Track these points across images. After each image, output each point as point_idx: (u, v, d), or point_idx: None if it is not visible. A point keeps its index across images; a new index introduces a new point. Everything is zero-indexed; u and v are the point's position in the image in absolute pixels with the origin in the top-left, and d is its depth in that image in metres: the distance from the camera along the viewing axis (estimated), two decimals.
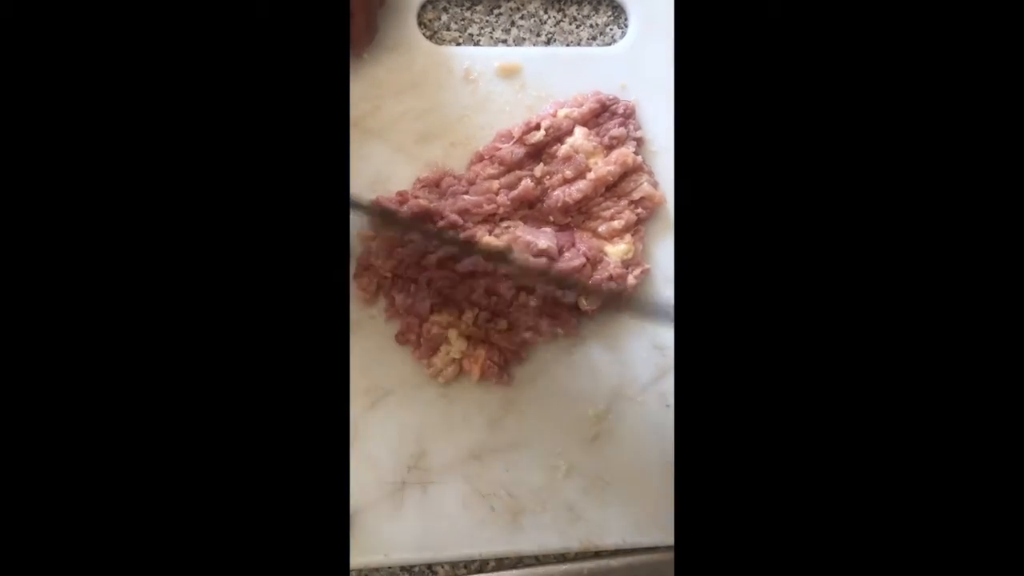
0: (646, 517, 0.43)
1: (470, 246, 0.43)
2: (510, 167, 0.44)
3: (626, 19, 0.48)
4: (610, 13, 0.48)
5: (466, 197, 0.43)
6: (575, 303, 0.44)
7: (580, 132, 0.44)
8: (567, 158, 0.44)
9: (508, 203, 0.43)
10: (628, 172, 0.45)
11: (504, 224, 0.44)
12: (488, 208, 0.43)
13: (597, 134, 0.45)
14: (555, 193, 0.44)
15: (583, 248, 0.44)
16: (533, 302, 0.43)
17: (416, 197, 0.43)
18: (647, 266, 0.45)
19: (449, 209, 0.43)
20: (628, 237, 0.45)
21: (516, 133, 0.44)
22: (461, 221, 0.43)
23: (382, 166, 0.45)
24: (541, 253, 0.43)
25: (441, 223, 0.42)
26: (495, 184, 0.44)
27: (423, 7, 0.47)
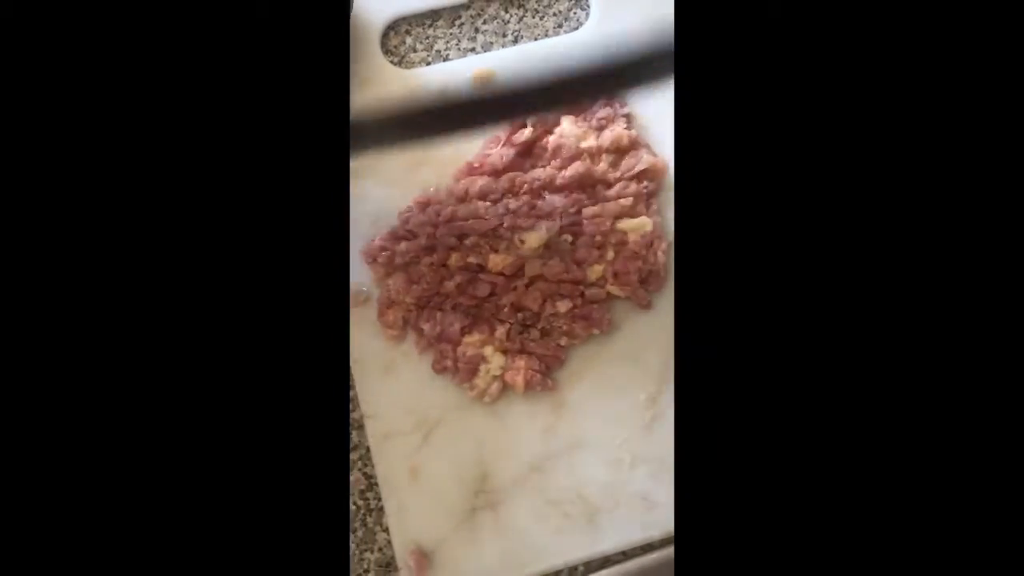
0: None
1: (480, 268, 0.43)
2: (502, 172, 0.44)
3: (587, 0, 0.47)
4: None
5: (461, 223, 0.43)
6: (605, 296, 0.43)
7: (567, 120, 0.44)
8: (557, 148, 0.43)
9: (506, 212, 0.43)
10: (625, 149, 0.44)
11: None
12: (489, 223, 0.43)
13: (585, 119, 0.44)
14: (545, 171, 0.43)
15: (595, 234, 0.43)
16: (563, 307, 0.43)
17: (408, 234, 0.43)
18: (669, 239, 0.44)
19: (446, 239, 0.42)
20: (642, 210, 0.44)
21: (503, 136, 0.44)
22: (458, 247, 0.43)
23: (380, 204, 0.44)
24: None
25: (441, 255, 0.42)
26: (482, 205, 0.43)
27: (385, 35, 0.46)
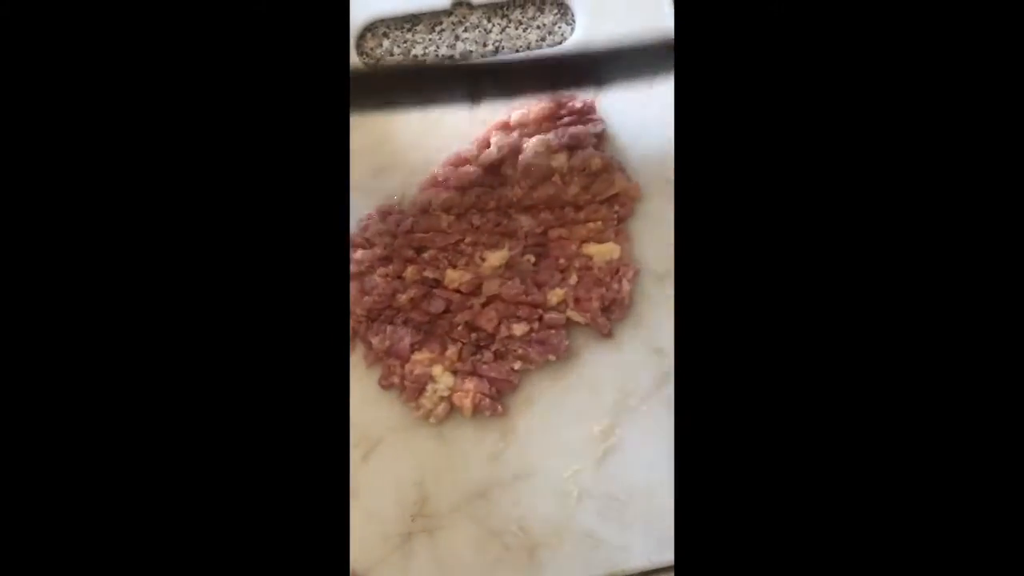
0: (670, 533, 0.41)
1: (436, 283, 0.41)
2: (468, 188, 0.42)
3: (573, 14, 0.46)
4: (556, 11, 0.46)
5: (421, 235, 0.41)
6: (565, 321, 0.42)
7: (537, 139, 0.42)
8: (526, 168, 0.42)
9: (469, 228, 0.41)
10: (597, 172, 0.43)
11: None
12: (450, 238, 0.41)
13: (556, 135, 0.43)
14: (513, 191, 0.42)
15: (560, 257, 0.42)
16: (519, 330, 0.41)
17: (365, 243, 0.41)
18: (636, 267, 0.43)
19: (403, 250, 0.41)
20: (611, 235, 0.43)
21: (467, 154, 0.42)
22: (415, 259, 0.41)
23: None
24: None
25: (397, 266, 0.41)
26: (446, 219, 0.42)
27: (361, 36, 0.45)
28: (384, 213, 0.42)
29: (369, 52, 0.45)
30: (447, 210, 0.42)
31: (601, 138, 0.43)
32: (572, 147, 0.42)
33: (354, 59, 0.45)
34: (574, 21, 0.46)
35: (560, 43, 0.45)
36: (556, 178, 0.42)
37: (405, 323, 0.41)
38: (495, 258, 0.42)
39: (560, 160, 0.42)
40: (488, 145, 0.42)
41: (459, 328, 0.41)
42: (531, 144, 0.42)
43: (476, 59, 0.43)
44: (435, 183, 0.42)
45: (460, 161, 0.42)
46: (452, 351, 0.41)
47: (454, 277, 0.41)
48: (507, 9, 0.46)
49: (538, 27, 0.46)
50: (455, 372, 0.41)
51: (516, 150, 0.42)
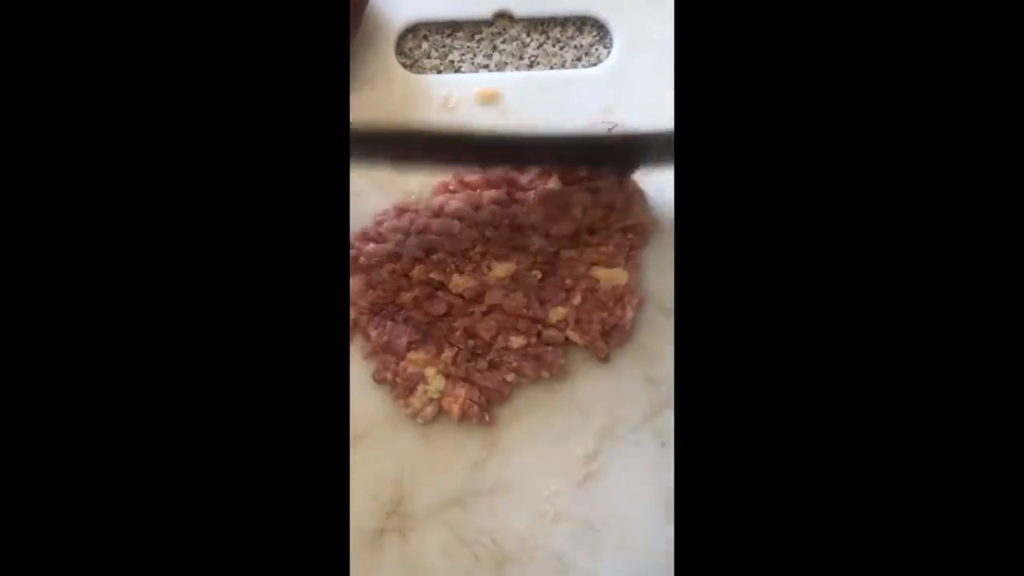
0: (641, 567, 0.40)
1: (440, 286, 0.41)
2: (480, 205, 0.42)
3: (611, 39, 0.46)
4: (595, 33, 0.46)
5: (432, 237, 0.42)
6: (563, 340, 0.42)
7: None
8: (544, 199, 0.42)
9: (480, 238, 0.42)
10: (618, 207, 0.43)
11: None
12: (460, 243, 0.41)
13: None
14: (529, 218, 0.42)
15: (567, 276, 0.42)
16: (516, 343, 0.41)
17: (378, 237, 0.42)
18: (642, 296, 0.43)
19: (413, 249, 0.41)
20: (621, 261, 0.42)
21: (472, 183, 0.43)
22: (423, 259, 0.41)
23: (358, 201, 0.43)
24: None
25: (405, 264, 0.41)
26: (458, 224, 0.42)
27: (402, 36, 0.46)
28: (400, 210, 0.43)
29: (407, 52, 0.46)
30: (460, 219, 0.42)
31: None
32: (595, 189, 0.42)
33: (391, 58, 0.45)
34: (611, 45, 0.46)
35: (594, 65, 0.46)
36: (576, 211, 0.42)
37: (406, 321, 0.41)
38: (501, 269, 0.42)
39: (583, 198, 0.42)
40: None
41: (457, 333, 0.41)
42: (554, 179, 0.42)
43: (485, 132, 0.43)
44: (445, 188, 0.43)
45: (468, 185, 0.43)
46: (448, 355, 0.41)
47: (459, 282, 0.41)
48: (547, 26, 0.46)
49: (575, 47, 0.46)
50: (448, 376, 0.41)
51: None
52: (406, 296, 0.41)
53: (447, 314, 0.41)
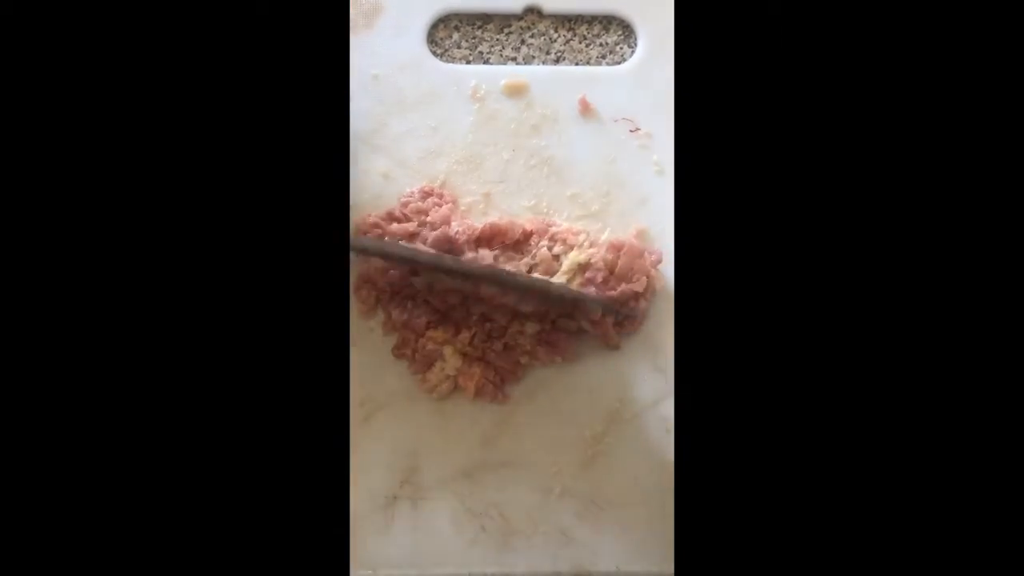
0: (642, 544, 0.42)
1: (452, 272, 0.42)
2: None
3: (636, 38, 0.47)
4: (620, 32, 0.48)
5: (446, 228, 0.43)
6: (575, 329, 0.43)
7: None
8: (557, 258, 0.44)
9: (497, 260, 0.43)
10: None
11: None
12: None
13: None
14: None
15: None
16: (531, 329, 0.43)
17: (403, 217, 0.44)
18: (654, 288, 0.44)
19: (429, 238, 0.43)
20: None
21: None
22: (433, 250, 0.43)
23: (388, 182, 0.45)
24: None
25: (420, 251, 0.43)
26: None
27: (434, 26, 0.48)
28: (425, 193, 0.45)
29: (439, 41, 0.48)
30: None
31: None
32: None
33: (423, 46, 0.47)
34: (636, 45, 0.47)
35: (618, 64, 0.47)
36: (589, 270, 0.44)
37: (425, 302, 0.43)
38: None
39: (601, 254, 0.44)
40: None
41: (474, 318, 0.43)
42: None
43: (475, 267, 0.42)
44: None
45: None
46: (464, 335, 0.43)
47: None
48: (575, 23, 0.48)
49: (601, 44, 0.48)
50: (464, 355, 0.43)
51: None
52: (418, 281, 0.43)
53: (465, 297, 0.43)
